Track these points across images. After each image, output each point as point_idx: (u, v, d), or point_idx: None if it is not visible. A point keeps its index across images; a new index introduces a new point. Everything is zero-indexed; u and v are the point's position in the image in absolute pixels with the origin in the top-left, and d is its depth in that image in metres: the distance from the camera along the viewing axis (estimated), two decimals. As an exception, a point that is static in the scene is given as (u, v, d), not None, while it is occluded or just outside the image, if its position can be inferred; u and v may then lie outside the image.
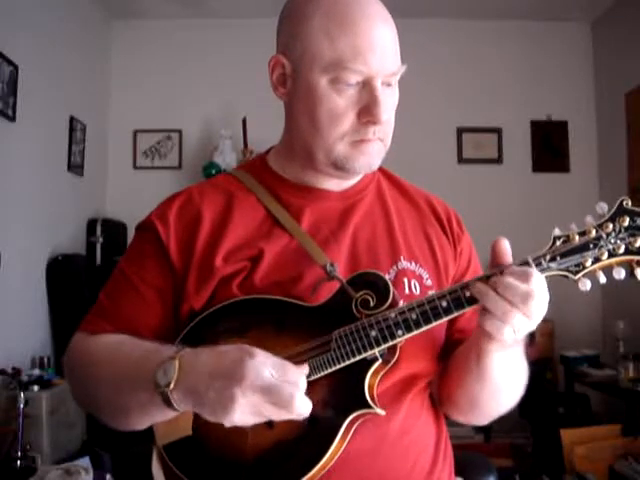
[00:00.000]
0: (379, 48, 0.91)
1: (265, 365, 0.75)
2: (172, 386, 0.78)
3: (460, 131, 4.12)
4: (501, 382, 0.95)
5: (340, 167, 0.96)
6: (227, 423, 0.75)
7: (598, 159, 4.11)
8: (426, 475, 0.96)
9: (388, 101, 0.94)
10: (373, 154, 0.96)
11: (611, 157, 3.94)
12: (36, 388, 2.53)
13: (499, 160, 4.13)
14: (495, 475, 1.47)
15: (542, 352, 3.62)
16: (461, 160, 4.13)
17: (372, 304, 0.87)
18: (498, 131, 4.12)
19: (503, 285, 0.80)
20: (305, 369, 0.82)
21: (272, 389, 0.74)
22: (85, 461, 2.27)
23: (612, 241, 0.84)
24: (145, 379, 0.81)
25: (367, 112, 0.92)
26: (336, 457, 0.85)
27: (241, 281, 0.93)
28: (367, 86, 0.92)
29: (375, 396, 0.87)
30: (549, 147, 4.14)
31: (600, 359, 3.55)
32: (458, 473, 1.06)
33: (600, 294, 3.86)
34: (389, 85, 0.95)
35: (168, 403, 0.79)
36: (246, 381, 0.74)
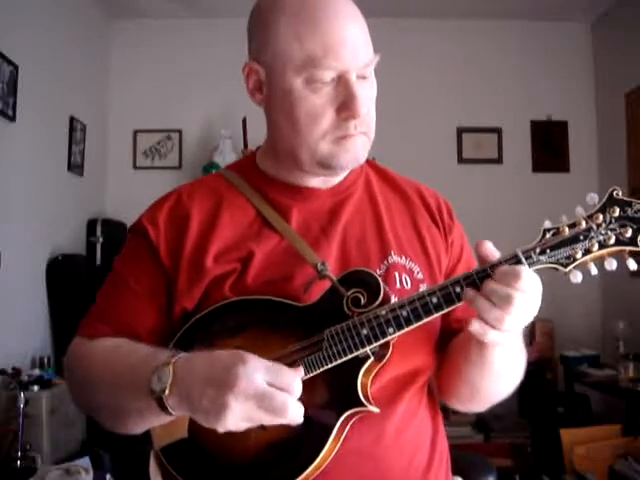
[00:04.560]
0: (349, 42, 0.91)
1: (258, 371, 0.75)
2: (167, 392, 0.78)
3: (460, 131, 4.12)
4: (502, 370, 0.95)
5: (326, 165, 0.96)
6: (220, 429, 0.76)
7: (598, 159, 4.10)
8: (422, 473, 0.96)
9: (365, 94, 0.94)
10: (357, 148, 0.95)
11: (611, 157, 3.93)
12: (36, 388, 2.52)
13: (499, 160, 4.12)
14: (495, 475, 1.47)
15: (542, 352, 3.62)
16: (461, 160, 4.12)
17: (363, 302, 0.87)
18: (498, 131, 4.12)
19: (487, 290, 0.80)
20: (300, 372, 0.82)
21: (265, 396, 0.74)
22: (85, 461, 2.27)
23: (602, 232, 0.83)
24: (141, 384, 0.81)
25: (345, 107, 0.91)
26: (331, 456, 0.85)
27: (233, 282, 0.93)
28: (342, 81, 0.91)
29: (369, 394, 0.87)
30: (549, 147, 4.13)
31: (600, 359, 3.56)
32: (458, 473, 1.06)
33: (600, 294, 3.86)
34: (364, 77, 0.94)
35: (164, 409, 0.79)
36: (238, 388, 0.74)
